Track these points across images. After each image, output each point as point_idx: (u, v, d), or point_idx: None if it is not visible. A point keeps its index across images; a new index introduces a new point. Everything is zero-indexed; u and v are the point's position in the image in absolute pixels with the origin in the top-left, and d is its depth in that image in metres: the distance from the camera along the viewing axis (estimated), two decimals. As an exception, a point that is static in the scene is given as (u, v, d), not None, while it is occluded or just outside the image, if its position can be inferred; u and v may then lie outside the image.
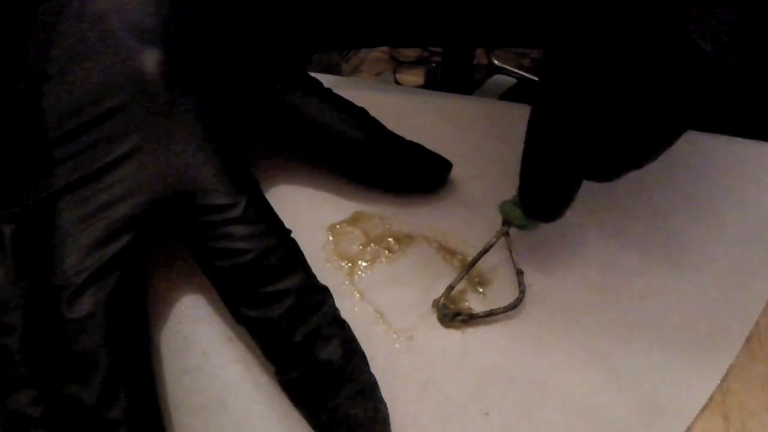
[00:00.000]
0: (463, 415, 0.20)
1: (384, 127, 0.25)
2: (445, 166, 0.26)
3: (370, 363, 0.20)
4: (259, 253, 0.19)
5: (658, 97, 0.17)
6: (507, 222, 0.22)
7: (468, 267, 0.23)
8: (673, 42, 0.16)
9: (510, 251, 0.23)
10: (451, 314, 0.22)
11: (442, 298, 0.22)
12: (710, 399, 0.20)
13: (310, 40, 0.36)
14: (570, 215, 0.25)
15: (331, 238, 0.24)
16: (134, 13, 0.21)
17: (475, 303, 0.22)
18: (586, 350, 0.21)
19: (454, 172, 0.26)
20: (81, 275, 0.18)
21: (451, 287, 0.22)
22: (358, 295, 0.23)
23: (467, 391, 0.20)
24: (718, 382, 0.21)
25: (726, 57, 0.16)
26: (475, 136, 0.28)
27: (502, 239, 0.23)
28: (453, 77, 0.49)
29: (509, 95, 0.49)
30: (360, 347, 0.20)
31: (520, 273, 0.23)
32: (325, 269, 0.23)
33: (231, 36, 0.23)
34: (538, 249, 0.24)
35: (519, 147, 0.27)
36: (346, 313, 0.22)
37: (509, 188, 0.26)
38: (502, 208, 0.22)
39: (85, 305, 0.17)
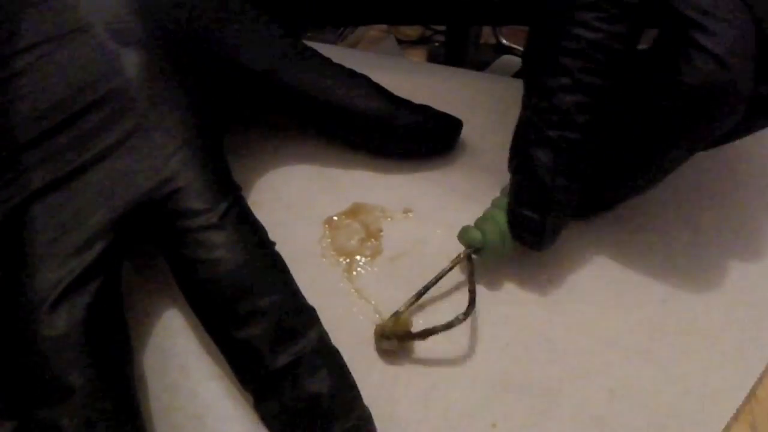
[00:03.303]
0: (469, 426, 0.19)
1: (389, 92, 0.24)
2: (455, 124, 0.25)
3: (369, 368, 0.18)
4: (237, 264, 0.17)
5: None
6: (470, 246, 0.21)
7: (418, 294, 0.20)
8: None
9: (470, 273, 0.20)
10: (389, 334, 0.19)
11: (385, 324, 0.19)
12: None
13: (303, 16, 0.35)
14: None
15: (327, 231, 0.23)
16: (107, 2, 0.19)
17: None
18: (603, 357, 0.20)
19: (460, 160, 0.25)
20: (56, 288, 0.16)
21: (398, 313, 0.20)
22: (356, 293, 0.21)
23: (473, 400, 0.19)
24: (747, 392, 0.19)
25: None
26: (485, 118, 0.27)
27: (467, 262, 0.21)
28: (457, 57, 0.47)
29: (519, 77, 0.48)
30: (352, 379, 0.18)
31: (472, 291, 0.20)
32: (320, 265, 0.22)
33: (216, 16, 0.22)
34: (557, 248, 0.22)
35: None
36: (343, 313, 0.20)
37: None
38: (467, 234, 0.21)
39: (62, 321, 0.16)
